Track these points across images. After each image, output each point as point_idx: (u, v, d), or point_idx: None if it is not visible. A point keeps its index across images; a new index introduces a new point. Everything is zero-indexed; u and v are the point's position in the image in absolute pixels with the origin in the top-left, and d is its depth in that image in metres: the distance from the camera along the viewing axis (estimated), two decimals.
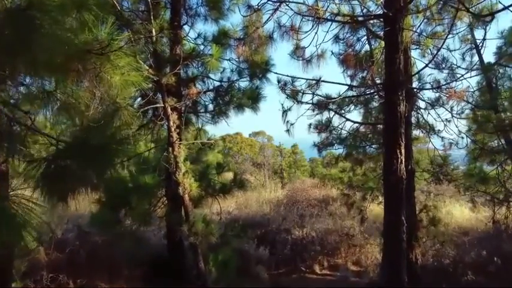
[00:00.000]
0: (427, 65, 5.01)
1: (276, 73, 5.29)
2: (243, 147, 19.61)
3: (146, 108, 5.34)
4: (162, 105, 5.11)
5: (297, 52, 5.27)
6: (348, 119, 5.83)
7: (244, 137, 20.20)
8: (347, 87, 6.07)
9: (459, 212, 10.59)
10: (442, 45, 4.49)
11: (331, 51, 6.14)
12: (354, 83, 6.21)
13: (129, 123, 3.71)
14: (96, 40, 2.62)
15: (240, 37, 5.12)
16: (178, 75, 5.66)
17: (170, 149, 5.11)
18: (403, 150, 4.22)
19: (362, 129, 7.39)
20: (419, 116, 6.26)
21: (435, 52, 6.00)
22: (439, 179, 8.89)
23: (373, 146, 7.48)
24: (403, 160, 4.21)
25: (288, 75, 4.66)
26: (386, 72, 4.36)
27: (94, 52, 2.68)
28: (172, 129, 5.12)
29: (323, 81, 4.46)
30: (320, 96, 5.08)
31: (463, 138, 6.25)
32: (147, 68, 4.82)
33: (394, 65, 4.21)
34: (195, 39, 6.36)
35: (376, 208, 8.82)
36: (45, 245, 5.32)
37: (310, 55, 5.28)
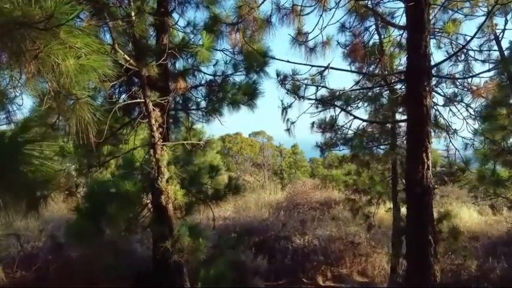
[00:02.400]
0: (457, 53, 4.05)
1: (275, 58, 4.33)
2: (243, 147, 18.64)
3: (123, 104, 4.38)
4: (143, 100, 4.17)
5: (300, 37, 4.32)
6: (355, 117, 4.87)
7: (244, 137, 19.23)
8: (355, 81, 5.12)
9: (467, 215, 9.69)
10: (478, 31, 3.51)
11: (337, 41, 5.21)
12: (363, 77, 5.24)
13: (89, 120, 2.81)
14: (41, 13, 1.79)
15: (233, 21, 4.17)
16: (165, 67, 4.76)
17: (152, 151, 4.19)
18: (430, 154, 3.25)
19: (369, 128, 6.43)
20: (437, 113, 5.27)
21: (455, 41, 5.04)
22: (444, 180, 8.05)
23: (381, 147, 6.52)
24: (430, 166, 3.25)
25: (289, 61, 3.70)
26: (409, 58, 3.38)
27: (34, 26, 1.83)
28: (154, 128, 4.17)
29: (332, 68, 3.51)
30: (326, 87, 4.11)
31: (487, 138, 5.25)
32: (128, 58, 3.91)
33: (419, 48, 3.24)
34: (184, 27, 5.44)
35: (381, 212, 7.89)
36: (9, 260, 4.38)
37: (314, 42, 4.33)
